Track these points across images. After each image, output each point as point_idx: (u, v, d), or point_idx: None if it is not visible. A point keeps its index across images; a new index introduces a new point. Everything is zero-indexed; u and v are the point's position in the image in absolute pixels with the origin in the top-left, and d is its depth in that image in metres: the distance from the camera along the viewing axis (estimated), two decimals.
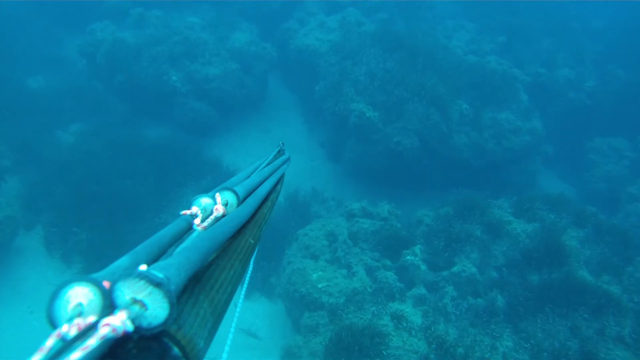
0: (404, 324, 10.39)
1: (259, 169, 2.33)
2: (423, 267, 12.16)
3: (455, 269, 12.06)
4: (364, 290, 11.33)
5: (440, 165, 16.94)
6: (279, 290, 12.91)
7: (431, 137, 15.92)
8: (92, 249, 13.07)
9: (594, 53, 21.71)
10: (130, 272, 0.89)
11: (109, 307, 0.88)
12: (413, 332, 10.21)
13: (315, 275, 11.75)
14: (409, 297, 11.53)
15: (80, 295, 0.88)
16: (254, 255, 1.74)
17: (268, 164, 2.50)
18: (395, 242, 12.77)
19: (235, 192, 1.66)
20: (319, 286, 11.43)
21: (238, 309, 1.77)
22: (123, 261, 1.06)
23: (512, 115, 17.37)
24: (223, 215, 1.53)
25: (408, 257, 12.22)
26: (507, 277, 12.15)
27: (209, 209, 1.53)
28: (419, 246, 12.55)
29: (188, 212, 1.48)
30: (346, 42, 18.87)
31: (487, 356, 9.98)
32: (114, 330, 0.80)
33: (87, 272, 12.36)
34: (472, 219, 13.00)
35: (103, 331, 0.79)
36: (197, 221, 1.44)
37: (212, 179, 16.92)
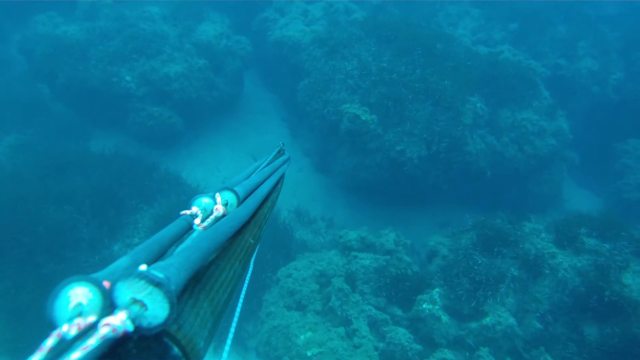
0: None
1: (259, 169, 2.30)
2: (444, 318, 9.22)
3: (487, 320, 9.12)
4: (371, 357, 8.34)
5: (451, 177, 14.00)
6: (256, 348, 9.86)
7: (440, 144, 12.96)
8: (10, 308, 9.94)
9: (618, 41, 18.92)
10: (130, 272, 0.87)
11: (109, 307, 0.87)
12: None
13: (302, 337, 8.76)
14: None
15: (80, 295, 0.87)
16: (254, 255, 1.73)
17: (268, 164, 2.47)
18: (405, 283, 9.81)
19: (235, 192, 1.64)
20: (309, 354, 8.42)
21: (238, 308, 1.72)
22: (123, 261, 1.06)
23: (534, 114, 14.48)
24: (223, 215, 1.51)
25: (424, 306, 9.26)
26: (555, 328, 9.22)
27: (209, 209, 1.50)
28: (437, 290, 9.59)
29: (188, 212, 1.44)
30: (334, 33, 15.84)
31: None
32: (114, 330, 0.80)
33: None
34: (504, 252, 10.05)
35: (103, 331, 0.79)
36: (197, 221, 1.41)
37: (175, 198, 13.83)
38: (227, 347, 1.51)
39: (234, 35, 17.45)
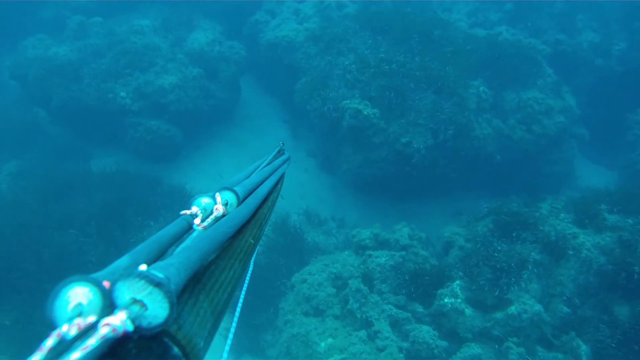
0: None
1: (259, 169, 2.29)
2: (468, 311, 8.91)
3: (512, 309, 8.79)
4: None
5: (459, 165, 13.66)
6: (276, 358, 9.57)
7: (447, 132, 12.62)
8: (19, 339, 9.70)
9: (617, 11, 18.46)
10: (130, 272, 0.87)
11: (109, 307, 0.86)
12: None
13: (323, 343, 8.46)
14: None
15: (80, 295, 0.87)
16: (254, 255, 1.73)
17: (268, 164, 2.47)
18: (424, 278, 9.49)
19: (235, 192, 1.62)
20: None
21: (238, 309, 1.71)
22: (123, 261, 1.05)
23: (539, 93, 14.11)
24: (223, 215, 1.49)
25: (446, 300, 8.94)
26: (583, 311, 8.87)
27: (209, 208, 1.48)
28: (457, 282, 9.26)
29: (188, 212, 1.43)
30: (327, 29, 15.53)
31: None
32: (114, 330, 0.79)
33: None
34: (523, 236, 9.70)
35: (103, 331, 0.78)
36: (197, 221, 1.39)
37: (179, 211, 13.53)
38: (227, 347, 1.50)
39: (227, 41, 17.17)
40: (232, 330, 1.64)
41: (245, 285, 1.81)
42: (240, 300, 1.75)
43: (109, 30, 16.46)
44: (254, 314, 10.84)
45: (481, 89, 13.51)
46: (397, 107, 12.64)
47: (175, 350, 0.90)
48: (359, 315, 8.88)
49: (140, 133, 14.62)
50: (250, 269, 1.83)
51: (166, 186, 14.29)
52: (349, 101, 12.79)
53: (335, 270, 9.70)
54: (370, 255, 10.00)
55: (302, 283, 9.70)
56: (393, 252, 10.10)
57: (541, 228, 9.61)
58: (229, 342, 1.55)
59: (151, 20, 17.09)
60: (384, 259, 9.86)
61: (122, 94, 14.55)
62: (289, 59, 16.03)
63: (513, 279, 9.07)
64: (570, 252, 9.20)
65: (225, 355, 1.46)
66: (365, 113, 12.45)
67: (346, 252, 10.58)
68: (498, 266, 9.23)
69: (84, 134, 15.92)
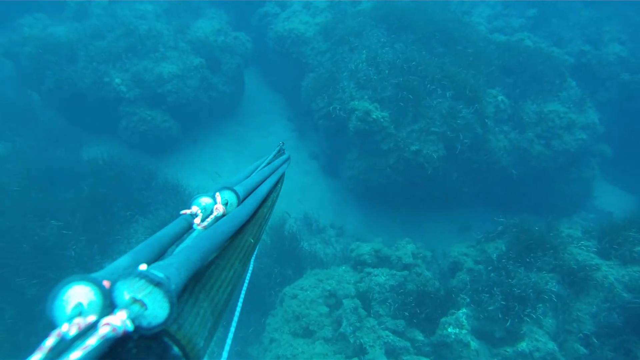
0: None
1: (259, 169, 2.28)
2: (474, 343, 7.99)
3: (523, 345, 7.89)
4: None
5: (472, 178, 12.76)
6: None
7: (460, 142, 11.71)
8: None
9: None
10: (130, 272, 0.86)
11: (109, 306, 0.86)
12: None
13: None
14: None
15: (80, 294, 0.86)
16: (254, 255, 1.71)
17: (268, 164, 2.46)
18: (426, 302, 8.60)
19: (235, 192, 1.62)
20: None
21: (238, 309, 1.74)
22: (123, 260, 1.04)
23: (561, 106, 13.15)
24: (223, 215, 1.49)
25: (450, 330, 8.03)
26: (602, 353, 7.94)
27: (209, 208, 1.48)
28: (463, 310, 8.34)
29: (188, 211, 1.42)
30: (339, 24, 14.62)
31: None
32: (114, 329, 0.79)
33: None
34: (539, 264, 8.79)
35: (103, 331, 0.78)
36: (197, 220, 1.39)
37: (173, 208, 12.77)
38: (227, 347, 1.50)
39: (233, 31, 16.30)
40: (232, 330, 1.63)
41: (245, 285, 1.82)
42: (240, 301, 1.76)
43: (110, 12, 15.62)
44: (240, 324, 10.03)
45: (499, 97, 12.60)
46: (410, 111, 11.74)
47: (175, 349, 0.89)
48: (352, 341, 8.00)
49: (134, 123, 13.78)
50: (250, 268, 1.84)
51: (160, 181, 13.51)
52: (357, 102, 11.90)
53: (329, 287, 8.82)
54: (369, 273, 9.11)
55: (293, 299, 8.83)
56: (394, 271, 9.21)
57: (561, 255, 8.68)
58: (229, 342, 1.54)
59: (155, 5, 16.26)
60: (383, 277, 8.97)
61: (118, 80, 13.71)
62: (297, 53, 15.16)
63: (526, 310, 8.16)
64: (591, 286, 8.27)
65: (225, 355, 1.46)
66: (374, 116, 11.55)
67: (343, 267, 9.68)
68: (510, 296, 8.32)
69: (77, 120, 15.12)
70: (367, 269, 9.22)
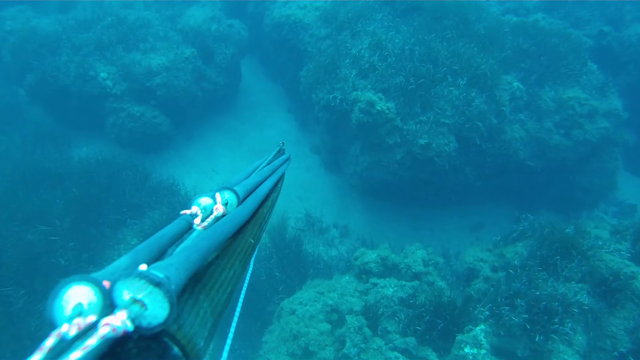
0: None
1: (259, 169, 2.27)
2: None
3: None
4: None
5: (486, 172, 11.78)
6: None
7: (473, 134, 10.72)
8: None
9: None
10: (130, 272, 0.86)
11: (109, 306, 0.86)
12: None
13: None
14: None
15: (80, 294, 0.86)
16: (254, 255, 1.71)
17: (268, 164, 2.45)
18: (440, 316, 7.70)
19: (235, 192, 1.61)
20: None
21: (239, 307, 1.73)
22: (123, 261, 1.03)
23: (582, 92, 12.09)
24: (223, 215, 1.46)
25: (467, 350, 7.13)
26: None
27: (209, 208, 1.46)
28: (481, 326, 7.42)
29: (188, 211, 1.40)
30: (341, 7, 13.57)
31: None
32: (114, 329, 0.78)
33: None
34: (566, 273, 7.83)
35: (103, 331, 0.77)
36: (197, 221, 1.37)
37: (167, 209, 11.96)
38: (226, 347, 1.49)
39: (227, 19, 15.29)
40: (232, 330, 1.62)
41: (245, 285, 1.82)
42: (240, 301, 1.75)
43: (97, 3, 14.67)
44: (239, 336, 9.24)
45: (515, 84, 11.57)
46: (417, 101, 10.73)
47: (175, 349, 0.88)
48: None
49: (121, 120, 12.88)
50: (250, 268, 1.81)
51: (152, 181, 12.65)
52: (360, 92, 10.91)
53: (331, 302, 7.93)
54: (375, 284, 8.21)
55: (291, 314, 7.95)
56: (403, 281, 8.29)
57: (591, 262, 7.71)
58: (228, 342, 1.53)
59: None
60: (391, 289, 8.06)
61: (103, 74, 12.78)
62: (295, 40, 14.13)
63: (552, 326, 7.23)
64: (627, 297, 7.32)
65: (225, 355, 1.44)
66: (379, 107, 10.56)
67: (346, 277, 8.77)
68: (535, 308, 7.39)
69: (64, 117, 14.27)
70: (373, 279, 8.31)
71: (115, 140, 13.33)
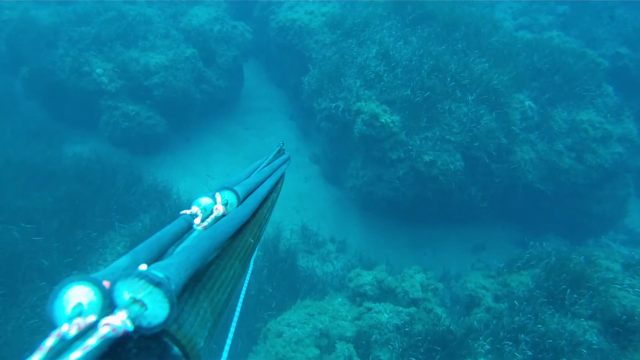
0: None
1: (259, 169, 2.25)
2: None
3: None
4: None
5: (492, 194, 11.26)
6: None
7: (483, 152, 10.21)
8: None
9: None
10: (130, 272, 0.85)
11: (108, 306, 0.84)
12: None
13: None
14: None
15: (80, 294, 0.84)
16: (254, 255, 1.70)
17: (268, 164, 2.43)
18: (437, 347, 7.15)
19: (235, 192, 1.59)
20: None
21: (239, 307, 1.73)
22: (123, 261, 1.02)
23: (596, 115, 11.59)
24: (223, 215, 1.45)
25: None
26: None
27: (209, 208, 1.44)
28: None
29: (188, 211, 1.39)
30: (348, 14, 13.11)
31: None
32: (114, 329, 0.77)
33: None
34: (577, 307, 7.28)
35: (103, 331, 0.76)
36: (197, 221, 1.36)
37: (159, 213, 11.47)
38: (226, 347, 1.48)
39: (230, 20, 14.84)
40: (232, 330, 1.61)
41: (245, 285, 1.80)
42: (240, 301, 1.73)
43: None
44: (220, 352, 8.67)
45: (527, 103, 11.07)
46: (424, 115, 10.23)
47: (175, 350, 0.87)
48: None
49: (115, 119, 12.40)
50: (250, 268, 1.78)
51: (145, 184, 12.15)
52: (363, 103, 10.41)
53: (321, 325, 7.38)
54: (369, 309, 7.67)
55: (277, 337, 7.40)
56: (400, 307, 7.75)
57: (603, 299, 7.16)
58: (228, 342, 1.52)
59: None
60: (387, 315, 7.52)
61: (99, 70, 12.31)
62: (300, 45, 13.68)
63: None
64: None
65: (225, 355, 1.44)
66: (383, 120, 10.06)
67: (339, 299, 8.22)
68: (540, 345, 6.84)
69: (58, 113, 13.83)
70: (367, 304, 7.77)
71: (108, 139, 12.86)
